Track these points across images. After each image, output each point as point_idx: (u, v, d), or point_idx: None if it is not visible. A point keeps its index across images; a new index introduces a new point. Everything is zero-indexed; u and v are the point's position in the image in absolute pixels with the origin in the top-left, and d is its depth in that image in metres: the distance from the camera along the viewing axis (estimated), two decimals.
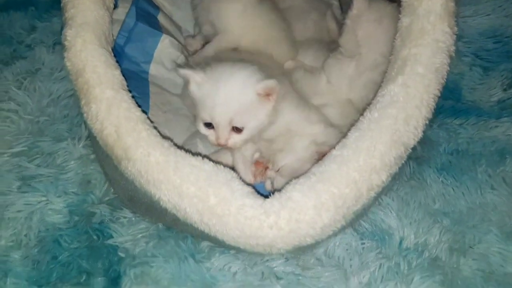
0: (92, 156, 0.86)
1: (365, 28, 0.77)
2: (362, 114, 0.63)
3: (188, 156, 0.57)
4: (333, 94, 0.80)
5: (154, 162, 0.56)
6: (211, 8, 0.87)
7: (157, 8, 0.94)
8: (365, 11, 0.77)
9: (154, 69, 0.87)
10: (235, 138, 0.72)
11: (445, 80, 0.63)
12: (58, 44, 1.05)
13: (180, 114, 0.86)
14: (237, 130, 0.72)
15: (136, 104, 0.61)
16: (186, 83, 0.71)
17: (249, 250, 0.59)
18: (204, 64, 0.74)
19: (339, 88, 0.80)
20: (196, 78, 0.71)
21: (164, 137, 0.60)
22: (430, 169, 0.82)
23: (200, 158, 0.58)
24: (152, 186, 0.57)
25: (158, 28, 0.90)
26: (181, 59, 0.89)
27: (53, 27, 1.09)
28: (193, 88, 0.71)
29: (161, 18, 0.93)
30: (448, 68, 0.63)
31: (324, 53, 0.88)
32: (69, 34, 0.66)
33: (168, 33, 0.91)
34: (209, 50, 0.89)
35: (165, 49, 0.88)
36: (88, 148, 0.87)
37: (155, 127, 0.64)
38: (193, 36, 0.97)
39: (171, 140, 0.61)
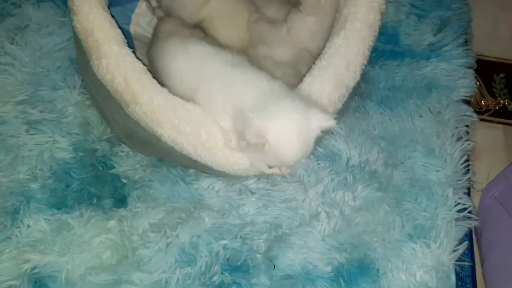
0: (88, 102, 1.00)
1: None
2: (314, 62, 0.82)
3: (183, 102, 0.74)
4: (292, 42, 0.98)
5: (157, 105, 0.73)
6: None
7: None
8: None
9: (133, 29, 1.03)
10: None
11: (377, 33, 0.82)
12: (42, 2, 1.15)
13: None
14: None
15: (136, 57, 0.78)
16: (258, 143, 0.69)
17: (231, 173, 0.79)
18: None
19: (298, 38, 0.96)
20: (272, 133, 0.69)
21: (162, 85, 0.77)
22: (372, 102, 1.02)
23: (192, 103, 0.76)
24: (156, 125, 0.74)
25: None
26: (154, 20, 1.05)
27: None
28: (268, 146, 0.70)
29: None
30: (380, 23, 0.82)
31: (285, 6, 1.04)
32: (77, 1, 0.80)
33: None
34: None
35: (141, 12, 1.03)
36: (82, 95, 1.01)
37: (143, 62, 0.80)
38: (158, 6, 1.07)
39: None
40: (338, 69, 0.77)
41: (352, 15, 0.80)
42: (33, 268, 0.83)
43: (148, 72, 0.77)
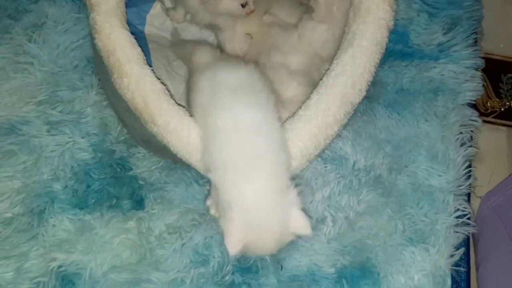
0: (105, 103, 1.05)
1: (339, 4, 0.95)
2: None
3: (198, 128, 0.78)
4: (304, 49, 1.01)
5: (173, 129, 0.78)
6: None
7: None
8: None
9: (147, 30, 1.07)
10: None
11: (384, 50, 0.85)
12: None
13: (173, 66, 1.07)
14: None
15: (156, 77, 0.82)
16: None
17: None
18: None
19: (309, 45, 0.99)
20: (249, 242, 0.73)
21: (179, 104, 0.81)
22: (379, 105, 1.06)
23: None
24: (171, 146, 0.80)
25: None
26: (167, 21, 1.08)
27: None
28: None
29: None
30: (387, 40, 0.85)
31: (297, 8, 1.07)
32: (98, 19, 0.83)
33: None
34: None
35: (156, 13, 1.07)
36: (100, 95, 1.06)
37: (162, 83, 0.84)
38: (174, 8, 1.11)
39: (185, 107, 0.83)
40: (344, 88, 0.81)
41: (360, 32, 0.83)
42: (60, 266, 0.91)
43: (167, 92, 0.81)
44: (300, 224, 0.74)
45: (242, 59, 0.97)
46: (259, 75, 0.82)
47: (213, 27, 1.11)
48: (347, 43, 0.84)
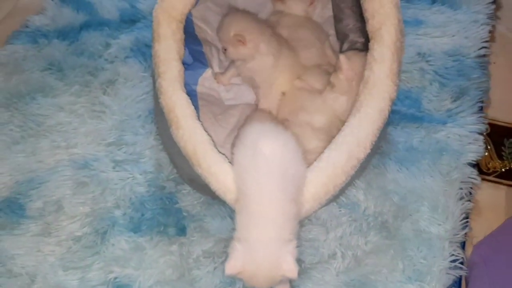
0: (160, 147, 1.29)
1: (357, 79, 1.12)
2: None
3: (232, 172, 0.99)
4: (327, 112, 1.20)
5: (213, 172, 0.99)
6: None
7: (200, 42, 1.37)
8: (355, 68, 1.13)
9: (199, 89, 1.32)
10: None
11: (387, 116, 1.04)
12: (128, 58, 1.47)
13: (217, 119, 1.30)
14: None
15: (203, 129, 1.04)
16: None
17: None
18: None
19: (331, 109, 1.18)
20: (244, 273, 0.93)
21: (220, 152, 1.02)
22: (390, 161, 1.23)
23: None
24: (211, 185, 1.00)
25: (205, 61, 1.33)
26: (214, 83, 1.34)
27: (123, 43, 1.51)
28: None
29: (205, 49, 1.36)
30: (390, 108, 1.04)
31: (324, 76, 1.27)
32: (163, 84, 1.07)
33: (210, 61, 1.35)
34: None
35: (207, 77, 1.33)
36: (157, 140, 1.30)
37: (207, 133, 1.05)
38: (222, 73, 1.36)
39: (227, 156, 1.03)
40: (351, 146, 0.99)
41: (366, 102, 1.03)
42: (115, 278, 1.12)
43: (212, 142, 1.02)
44: (290, 268, 0.91)
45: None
46: (294, 144, 1.01)
47: (253, 84, 1.33)
48: (356, 109, 1.04)
